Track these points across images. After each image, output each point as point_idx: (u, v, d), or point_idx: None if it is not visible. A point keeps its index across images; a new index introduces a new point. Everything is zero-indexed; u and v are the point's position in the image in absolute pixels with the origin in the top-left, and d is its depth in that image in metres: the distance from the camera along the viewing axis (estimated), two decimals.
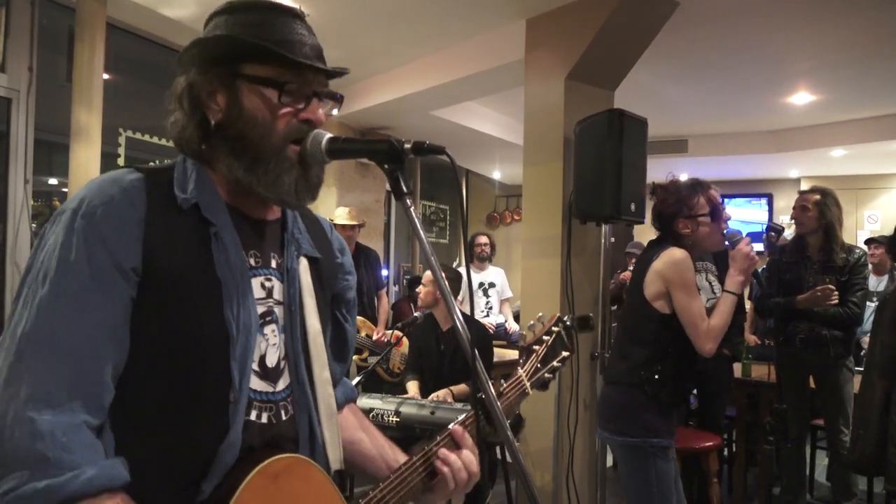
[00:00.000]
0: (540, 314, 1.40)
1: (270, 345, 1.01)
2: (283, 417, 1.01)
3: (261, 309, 1.00)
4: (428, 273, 3.68)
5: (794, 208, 3.59)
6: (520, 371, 1.27)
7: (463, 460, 1.09)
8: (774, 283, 3.60)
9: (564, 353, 1.34)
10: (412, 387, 3.59)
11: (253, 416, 0.97)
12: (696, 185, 2.51)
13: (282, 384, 1.02)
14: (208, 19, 1.03)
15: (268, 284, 1.03)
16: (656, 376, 2.41)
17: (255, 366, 0.98)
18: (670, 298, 2.41)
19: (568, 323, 1.36)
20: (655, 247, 2.53)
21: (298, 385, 1.04)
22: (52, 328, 0.84)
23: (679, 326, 2.40)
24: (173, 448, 0.91)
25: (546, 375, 1.30)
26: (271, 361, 1.01)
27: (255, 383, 0.98)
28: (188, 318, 0.91)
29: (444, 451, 1.09)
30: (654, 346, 2.44)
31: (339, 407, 1.22)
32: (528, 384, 1.27)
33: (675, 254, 2.41)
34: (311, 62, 0.99)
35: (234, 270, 0.95)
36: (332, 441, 1.07)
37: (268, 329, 1.01)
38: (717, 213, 2.45)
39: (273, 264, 1.04)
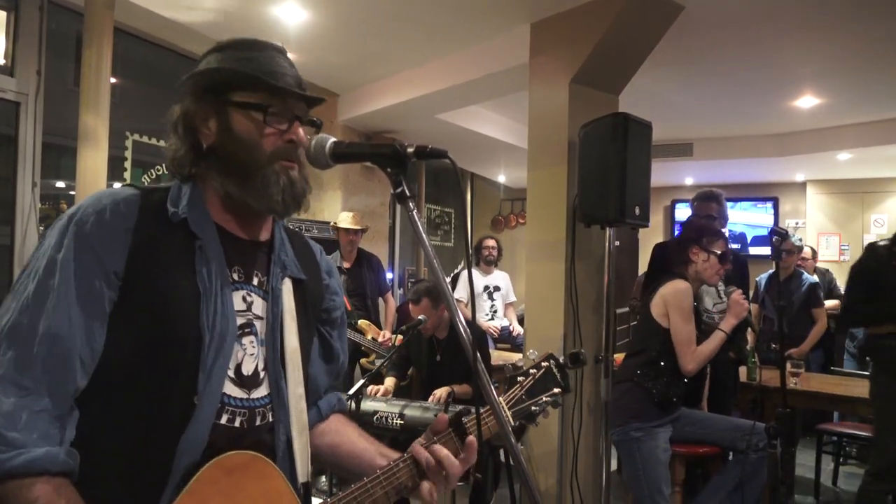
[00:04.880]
0: (531, 350, 1.44)
1: (248, 354, 1.06)
2: (257, 423, 1.06)
3: (240, 320, 1.06)
4: (416, 304, 3.63)
5: None
6: (500, 398, 1.27)
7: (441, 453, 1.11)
8: (863, 290, 3.23)
9: (556, 390, 1.33)
10: (389, 381, 3.64)
11: (224, 420, 1.01)
12: (719, 231, 3.10)
13: (260, 392, 1.07)
14: (202, 57, 1.12)
15: (248, 299, 1.09)
16: (650, 373, 2.91)
17: (230, 373, 1.03)
18: (667, 317, 2.94)
19: (561, 360, 1.37)
20: (664, 276, 3.06)
21: (278, 398, 1.09)
22: (31, 319, 0.92)
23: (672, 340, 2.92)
24: (138, 447, 0.95)
25: (533, 408, 1.30)
26: (247, 370, 1.06)
27: (230, 389, 1.03)
28: (164, 322, 0.97)
29: (434, 446, 1.11)
30: (651, 351, 2.96)
31: (326, 415, 1.28)
32: (508, 413, 1.28)
33: (679, 284, 2.96)
34: (291, 88, 1.07)
35: (213, 281, 1.02)
36: (302, 454, 1.12)
37: (246, 340, 1.06)
38: (725, 258, 3.01)
39: (255, 282, 1.11)
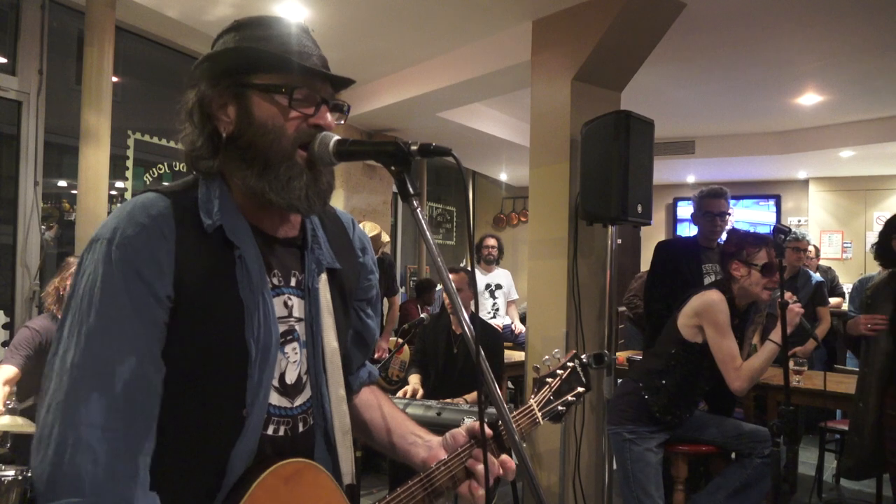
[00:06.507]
0: (556, 350, 1.45)
1: (291, 362, 1.04)
2: (300, 430, 1.05)
3: (282, 328, 1.03)
4: (455, 272, 3.73)
5: None
6: (531, 401, 1.32)
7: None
8: None
9: (580, 389, 1.37)
10: (413, 378, 3.65)
11: (270, 431, 1.00)
12: (762, 239, 2.78)
13: (301, 399, 1.06)
14: (217, 38, 1.06)
15: (289, 303, 1.05)
16: (652, 384, 2.77)
17: (275, 382, 1.01)
18: (697, 331, 2.73)
19: (584, 360, 1.41)
20: (704, 287, 2.88)
21: (319, 401, 1.08)
22: (102, 358, 0.87)
23: (692, 353, 2.74)
24: (191, 459, 0.94)
25: (559, 408, 1.34)
26: (291, 378, 1.04)
27: (274, 399, 1.01)
28: (211, 339, 0.94)
29: (477, 451, 1.13)
30: (668, 360, 2.80)
31: (356, 391, 1.28)
32: (539, 414, 1.31)
33: (711, 296, 2.73)
34: (317, 69, 1.02)
35: (255, 292, 0.98)
36: (345, 457, 1.10)
37: (288, 347, 1.04)
38: (769, 269, 2.69)
39: (293, 282, 1.07)
